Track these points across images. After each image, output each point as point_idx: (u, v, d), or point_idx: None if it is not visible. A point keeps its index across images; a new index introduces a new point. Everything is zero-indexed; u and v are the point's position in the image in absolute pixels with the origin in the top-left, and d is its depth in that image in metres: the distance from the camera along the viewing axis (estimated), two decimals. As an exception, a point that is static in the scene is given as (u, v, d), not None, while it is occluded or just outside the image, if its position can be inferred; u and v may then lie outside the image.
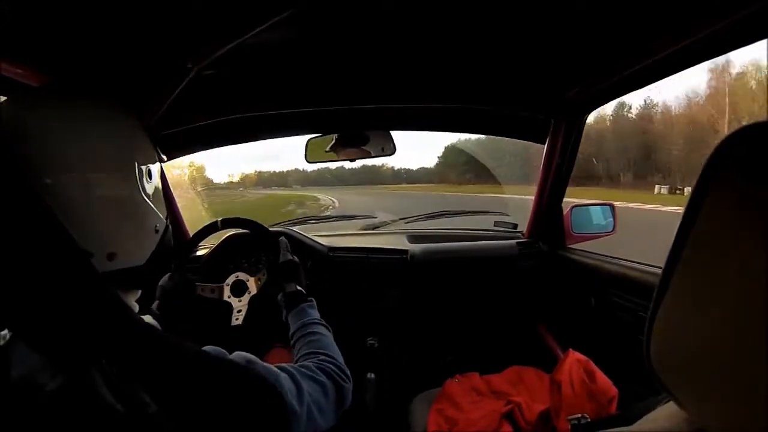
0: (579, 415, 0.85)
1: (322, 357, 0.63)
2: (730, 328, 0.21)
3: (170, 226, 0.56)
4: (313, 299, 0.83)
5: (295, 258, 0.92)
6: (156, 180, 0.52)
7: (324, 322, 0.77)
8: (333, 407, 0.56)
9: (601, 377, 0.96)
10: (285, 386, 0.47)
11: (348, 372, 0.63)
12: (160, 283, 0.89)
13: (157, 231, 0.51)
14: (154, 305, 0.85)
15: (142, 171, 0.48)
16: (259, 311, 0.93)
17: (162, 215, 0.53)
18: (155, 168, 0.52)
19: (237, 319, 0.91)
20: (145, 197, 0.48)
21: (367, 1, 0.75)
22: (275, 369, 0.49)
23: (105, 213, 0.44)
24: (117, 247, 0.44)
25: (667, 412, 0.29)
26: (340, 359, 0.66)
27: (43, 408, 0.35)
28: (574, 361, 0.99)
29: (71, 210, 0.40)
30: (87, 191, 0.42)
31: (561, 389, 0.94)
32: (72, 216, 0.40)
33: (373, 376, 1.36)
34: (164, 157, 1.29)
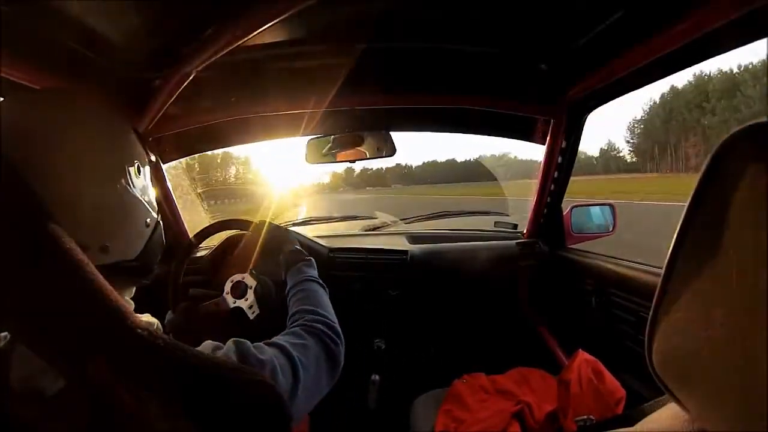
0: (585, 417, 0.85)
1: (311, 316, 0.63)
2: (732, 329, 0.21)
3: (161, 222, 0.57)
4: (312, 259, 0.85)
5: (281, 225, 0.94)
6: (146, 177, 0.54)
7: (320, 281, 0.76)
8: (326, 372, 0.57)
9: (610, 378, 0.95)
10: (279, 369, 0.47)
11: (338, 330, 0.62)
12: (166, 320, 0.90)
13: (147, 225, 0.53)
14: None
15: (131, 169, 0.50)
16: (268, 296, 0.96)
17: (153, 211, 0.54)
18: (145, 164, 0.54)
19: (254, 313, 0.93)
20: (135, 193, 0.50)
21: (368, 1, 0.75)
22: (266, 350, 0.49)
23: (97, 208, 0.45)
24: (109, 241, 0.46)
25: (669, 412, 0.29)
26: (331, 317, 0.65)
27: (44, 411, 0.34)
28: (582, 361, 0.99)
29: (64, 206, 0.41)
30: (79, 188, 0.43)
31: (569, 388, 0.94)
32: (65, 212, 0.40)
33: (377, 377, 1.36)
34: (153, 158, 1.29)
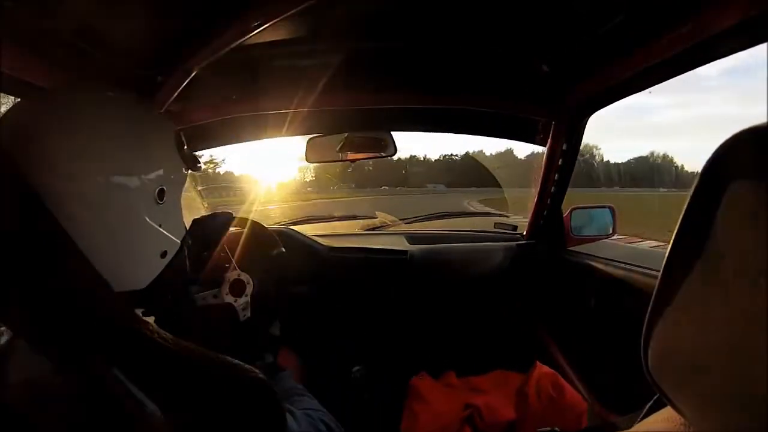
0: (549, 429, 0.84)
1: (320, 412, 0.58)
2: (730, 332, 0.21)
3: (186, 247, 0.51)
4: (288, 369, 0.84)
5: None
6: (171, 198, 0.46)
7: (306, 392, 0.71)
8: None
9: (570, 392, 0.95)
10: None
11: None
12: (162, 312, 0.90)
13: (164, 256, 0.46)
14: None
15: (151, 192, 0.43)
16: (260, 307, 0.95)
17: (176, 237, 0.47)
18: (174, 182, 0.46)
19: (245, 314, 0.93)
20: (150, 221, 0.43)
21: (370, 1, 0.75)
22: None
23: (98, 236, 0.39)
24: (109, 274, 0.39)
25: (664, 416, 0.29)
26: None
27: (47, 407, 0.35)
28: (541, 374, 0.99)
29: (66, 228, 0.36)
30: (79, 211, 0.38)
31: (528, 401, 0.94)
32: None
33: (358, 368, 1.36)
34: (200, 165, 1.28)
